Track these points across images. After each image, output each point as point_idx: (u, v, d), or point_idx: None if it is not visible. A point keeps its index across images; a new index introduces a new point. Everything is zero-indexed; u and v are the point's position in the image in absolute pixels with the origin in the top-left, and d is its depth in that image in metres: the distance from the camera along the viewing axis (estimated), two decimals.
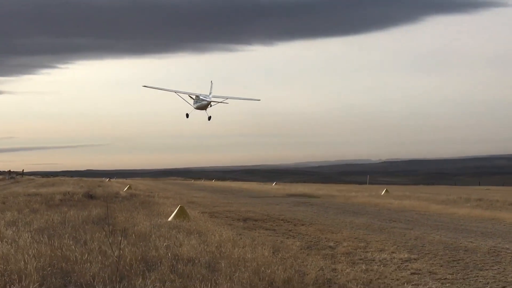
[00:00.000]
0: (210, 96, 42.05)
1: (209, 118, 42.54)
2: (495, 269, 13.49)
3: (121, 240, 12.77)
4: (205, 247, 14.19)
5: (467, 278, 12.47)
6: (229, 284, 10.53)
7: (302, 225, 22.39)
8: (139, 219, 20.32)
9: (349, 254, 15.21)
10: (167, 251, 13.17)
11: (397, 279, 12.13)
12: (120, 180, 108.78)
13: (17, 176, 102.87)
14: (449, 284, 11.89)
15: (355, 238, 18.32)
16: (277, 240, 17.48)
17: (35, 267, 10.93)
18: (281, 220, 24.26)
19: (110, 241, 12.64)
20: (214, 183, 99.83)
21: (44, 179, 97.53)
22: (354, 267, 13.13)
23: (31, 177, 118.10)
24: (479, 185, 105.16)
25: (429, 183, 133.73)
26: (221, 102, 42.90)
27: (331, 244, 17.01)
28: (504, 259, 14.86)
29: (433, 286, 11.68)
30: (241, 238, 16.66)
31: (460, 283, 12.01)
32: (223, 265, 11.84)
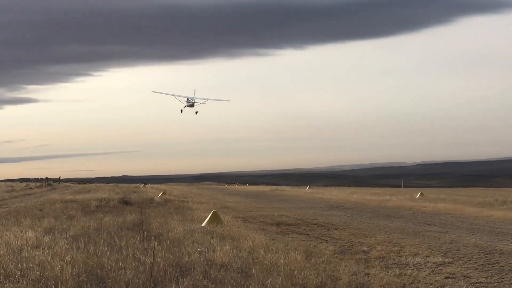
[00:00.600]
0: (194, 98, 54.93)
1: (196, 112, 54.68)
2: None
3: (154, 246, 12.91)
4: (238, 252, 14.25)
5: (502, 281, 12.33)
6: None
7: (336, 229, 22.34)
8: (173, 225, 20.50)
9: (382, 258, 15.14)
10: (200, 257, 13.27)
11: (431, 284, 12.05)
12: (155, 185, 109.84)
13: (54, 183, 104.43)
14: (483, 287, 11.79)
15: (389, 242, 18.23)
16: (310, 244, 17.47)
17: (71, 273, 11.09)
18: (314, 224, 24.24)
19: (144, 247, 12.78)
20: (247, 187, 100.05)
21: (80, 186, 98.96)
22: (388, 272, 13.07)
23: (68, 184, 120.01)
24: None
25: (464, 186, 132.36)
26: (202, 103, 54.62)
27: (365, 248, 16.95)
28: None
29: None
30: (274, 243, 16.69)
31: (495, 286, 11.89)
32: (255, 270, 11.89)
